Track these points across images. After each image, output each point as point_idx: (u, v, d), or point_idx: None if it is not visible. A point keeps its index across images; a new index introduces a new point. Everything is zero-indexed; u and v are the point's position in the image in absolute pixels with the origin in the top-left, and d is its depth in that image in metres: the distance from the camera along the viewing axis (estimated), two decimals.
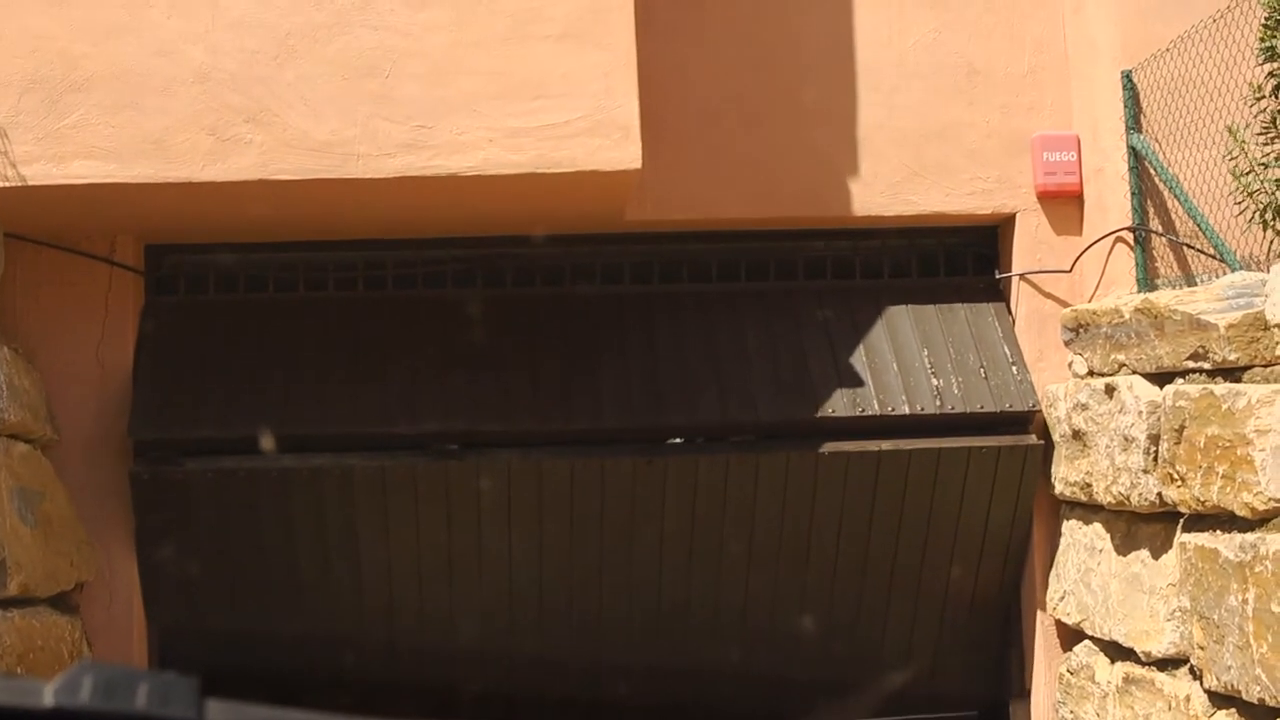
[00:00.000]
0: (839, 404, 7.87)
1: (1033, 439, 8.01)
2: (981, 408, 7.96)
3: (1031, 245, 8.32)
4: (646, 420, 7.78)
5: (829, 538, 8.00)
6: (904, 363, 8.06)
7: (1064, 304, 8.16)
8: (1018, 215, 8.34)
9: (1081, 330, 7.73)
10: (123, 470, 7.64)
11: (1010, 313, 8.33)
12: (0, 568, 6.64)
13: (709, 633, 8.08)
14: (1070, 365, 7.91)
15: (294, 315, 8.01)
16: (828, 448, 7.83)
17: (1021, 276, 8.30)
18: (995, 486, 7.97)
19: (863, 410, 7.85)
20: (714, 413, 7.81)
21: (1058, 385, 7.93)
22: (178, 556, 7.71)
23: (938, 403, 7.92)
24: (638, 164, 7.03)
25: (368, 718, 1.33)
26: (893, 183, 8.24)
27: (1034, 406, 8.01)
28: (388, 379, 7.77)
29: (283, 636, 7.85)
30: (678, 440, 7.78)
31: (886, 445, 7.85)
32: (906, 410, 7.88)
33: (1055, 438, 7.89)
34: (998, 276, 8.46)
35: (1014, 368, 8.09)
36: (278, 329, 7.96)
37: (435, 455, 7.64)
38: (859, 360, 8.06)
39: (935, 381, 7.98)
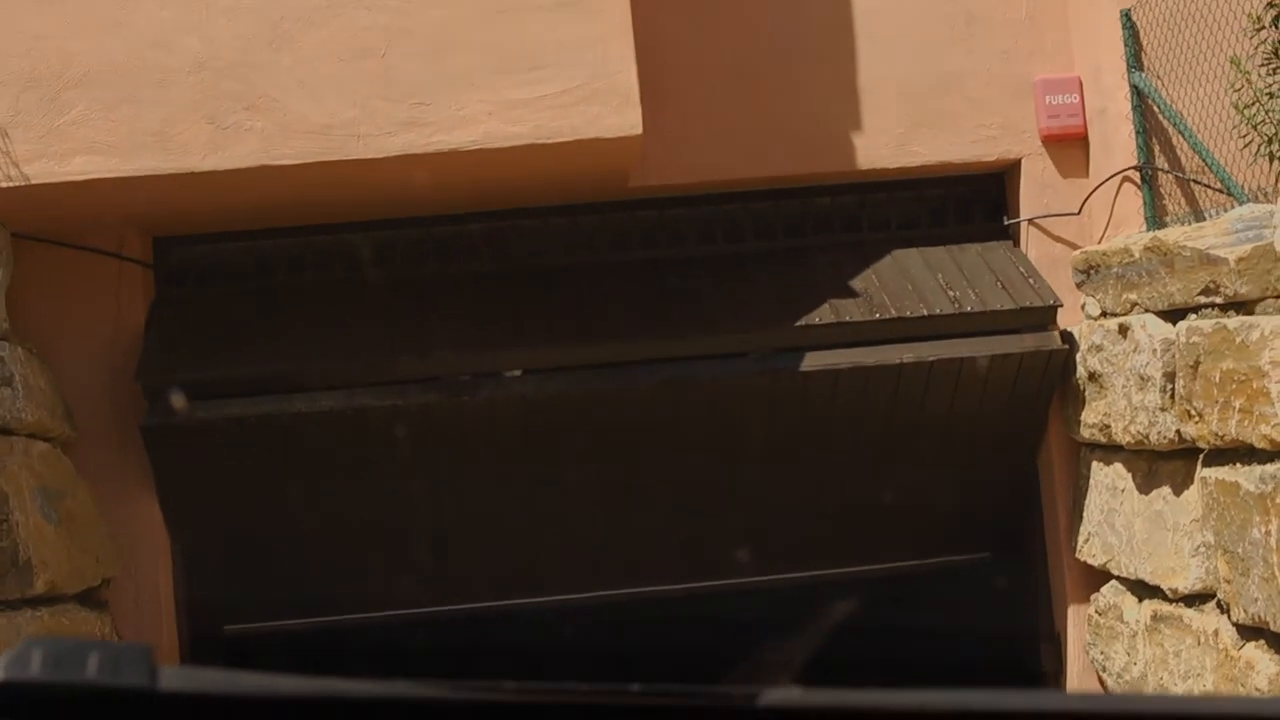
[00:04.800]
0: (854, 311, 7.83)
1: (1056, 339, 7.94)
2: (1000, 306, 7.90)
3: (1038, 190, 8.28)
4: (663, 348, 7.77)
5: (847, 451, 8.00)
6: (918, 281, 8.04)
7: (1074, 247, 8.12)
8: (1023, 160, 8.30)
9: (1092, 272, 7.70)
10: (143, 464, 7.66)
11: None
12: (26, 567, 6.67)
13: (730, 550, 8.10)
14: (1083, 308, 7.88)
15: (303, 295, 8.01)
16: (846, 357, 7.78)
17: (1030, 221, 8.27)
18: (1017, 393, 7.95)
19: (878, 315, 7.81)
20: (729, 334, 7.79)
21: (1072, 328, 7.90)
22: (200, 515, 7.75)
23: (955, 306, 7.88)
24: (638, 130, 7.02)
25: (327, 677, 1.32)
26: (896, 134, 8.21)
27: (1054, 302, 7.95)
28: (399, 333, 7.78)
29: (308, 584, 7.92)
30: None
31: (908, 355, 7.81)
32: (925, 312, 7.83)
33: (1072, 381, 7.87)
34: (1006, 223, 8.42)
35: (1030, 279, 8.04)
36: (287, 304, 7.97)
37: (448, 389, 7.65)
38: (871, 283, 8.03)
39: (951, 292, 7.95)
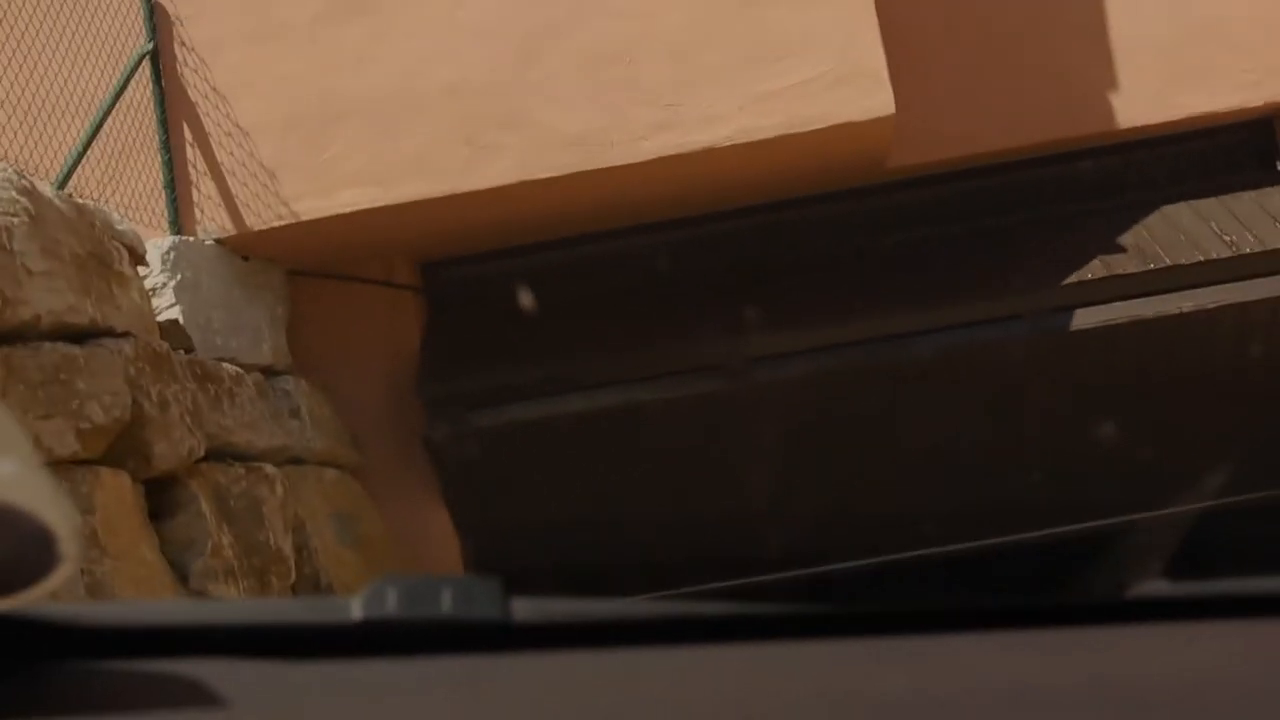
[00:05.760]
0: (1126, 264, 7.65)
1: None
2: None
3: None
4: (936, 318, 7.70)
5: (1133, 405, 7.77)
6: (1190, 230, 7.80)
7: None
8: None
9: None
10: (429, 481, 7.80)
11: None
12: (328, 592, 6.85)
13: (1027, 507, 7.92)
14: None
15: (570, 303, 8.08)
16: (1123, 311, 7.61)
17: None
18: None
19: (1152, 265, 7.62)
20: (1001, 298, 7.67)
21: None
22: (487, 517, 7.88)
23: (1232, 249, 7.62)
24: (890, 110, 6.93)
25: (681, 600, 1.31)
26: (1155, 89, 7.96)
27: None
28: (670, 328, 7.82)
29: (599, 576, 7.99)
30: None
31: (1188, 304, 7.59)
32: (1199, 258, 7.60)
33: None
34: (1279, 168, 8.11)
35: None
36: (555, 314, 8.05)
37: (723, 376, 7.66)
38: (1142, 237, 7.82)
39: (1227, 237, 7.68)
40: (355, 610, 1.18)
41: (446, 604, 1.19)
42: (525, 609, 1.22)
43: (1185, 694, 1.14)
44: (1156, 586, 1.39)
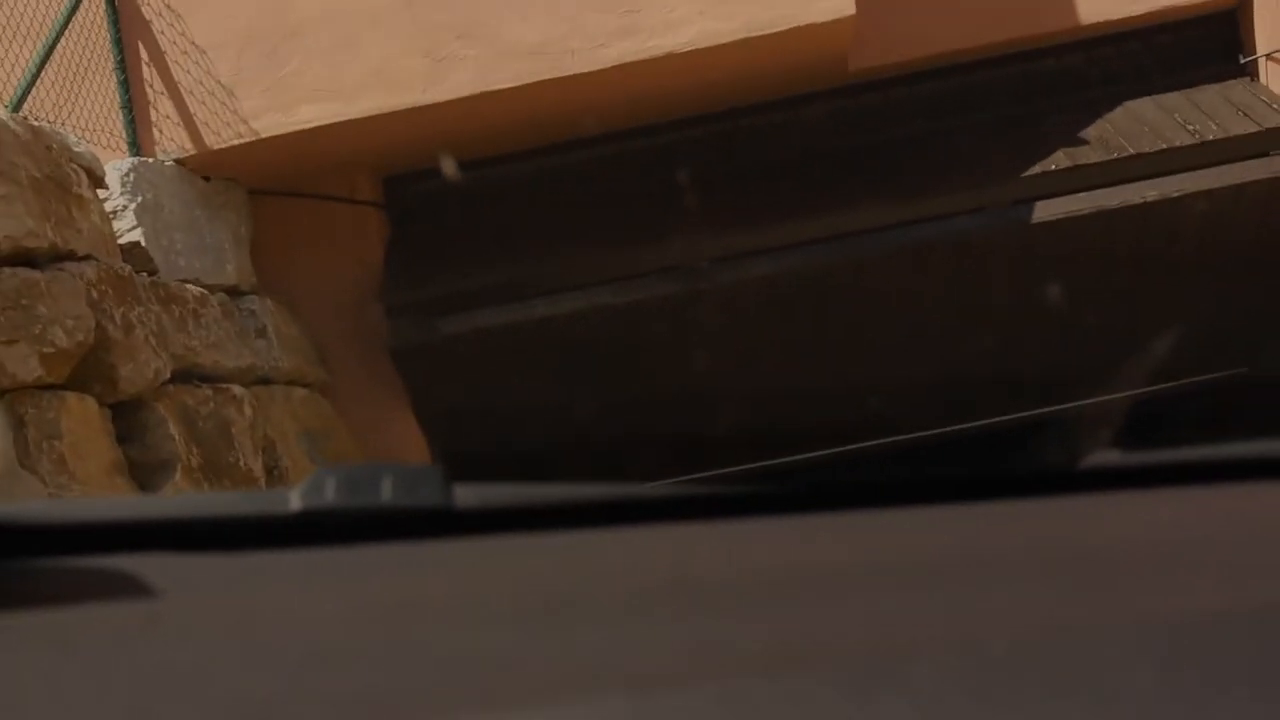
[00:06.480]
0: (1089, 155, 7.64)
1: None
2: (1244, 131, 7.59)
3: (1275, 22, 7.91)
4: (898, 212, 7.65)
5: (1096, 294, 7.76)
6: (1154, 122, 7.78)
7: None
8: None
9: None
10: (399, 402, 7.79)
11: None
12: None
13: (987, 393, 7.93)
14: None
15: (534, 214, 8.04)
16: (1087, 202, 7.59)
17: (1269, 57, 7.91)
18: (1273, 218, 7.62)
19: (1115, 155, 7.61)
20: (962, 191, 7.65)
21: None
22: (455, 424, 7.87)
23: (1195, 137, 7.61)
24: (850, 11, 6.89)
25: (620, 484, 1.30)
26: None
27: None
28: (633, 235, 7.77)
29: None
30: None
31: (1152, 193, 7.57)
32: (1163, 146, 7.59)
33: None
34: (1243, 61, 8.07)
35: (1273, 105, 7.69)
36: (519, 224, 8.02)
37: (686, 278, 7.65)
38: (1106, 130, 7.80)
39: (1191, 126, 7.67)
40: (294, 501, 1.17)
41: (387, 492, 1.17)
42: (468, 495, 1.20)
43: (1129, 558, 1.14)
44: (1106, 457, 1.39)
